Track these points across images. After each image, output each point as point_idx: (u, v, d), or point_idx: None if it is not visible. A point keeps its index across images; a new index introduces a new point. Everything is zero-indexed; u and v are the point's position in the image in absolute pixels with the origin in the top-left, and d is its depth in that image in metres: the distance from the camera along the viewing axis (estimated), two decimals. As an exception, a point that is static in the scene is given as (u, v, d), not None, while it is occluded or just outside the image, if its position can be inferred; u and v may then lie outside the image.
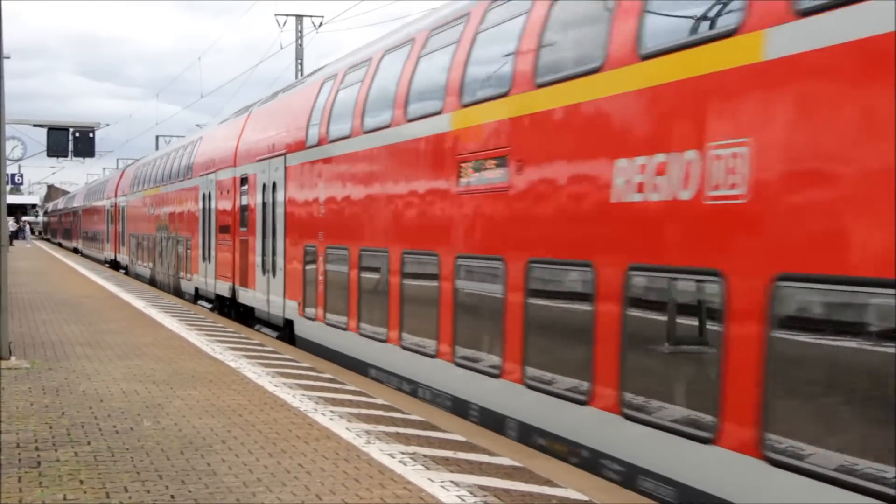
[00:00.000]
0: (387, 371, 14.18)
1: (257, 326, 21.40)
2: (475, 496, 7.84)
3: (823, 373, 6.67)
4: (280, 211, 19.36)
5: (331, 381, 13.89)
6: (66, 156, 25.67)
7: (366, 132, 14.94)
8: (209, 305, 26.35)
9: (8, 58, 17.80)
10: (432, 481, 8.27)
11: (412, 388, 13.29)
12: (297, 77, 44.40)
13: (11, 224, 73.07)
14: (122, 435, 9.89)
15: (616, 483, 8.74)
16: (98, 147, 27.18)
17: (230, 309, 24.00)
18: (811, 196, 6.72)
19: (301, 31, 47.50)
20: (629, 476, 8.60)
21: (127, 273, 44.00)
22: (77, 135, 24.87)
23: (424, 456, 9.24)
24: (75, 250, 76.29)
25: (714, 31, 7.70)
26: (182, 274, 30.55)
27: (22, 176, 68.56)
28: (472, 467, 8.89)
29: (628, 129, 8.79)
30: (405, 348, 13.48)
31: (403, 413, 11.57)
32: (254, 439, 9.81)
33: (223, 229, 24.57)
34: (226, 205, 24.27)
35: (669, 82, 8.15)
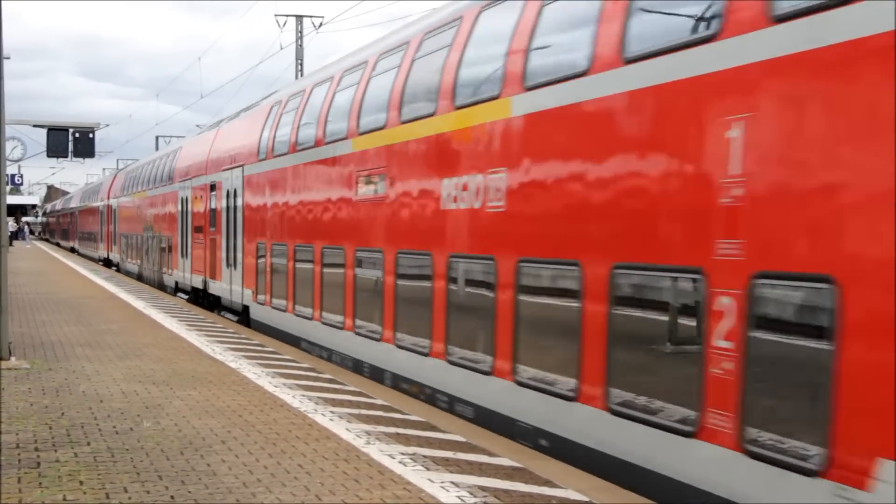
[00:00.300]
0: (312, 342, 17.62)
1: (222, 312, 24.75)
2: (475, 497, 7.84)
3: (546, 319, 10.45)
4: (240, 214, 22.87)
5: (330, 381, 13.89)
6: (66, 156, 25.68)
7: (299, 150, 18.39)
8: (186, 297, 29.30)
9: (8, 58, 17.78)
10: (432, 482, 8.28)
11: (328, 355, 16.69)
12: (296, 77, 44.45)
13: (11, 224, 73.03)
14: (121, 435, 9.89)
15: (443, 410, 12.17)
16: (98, 147, 27.46)
17: (203, 299, 27.23)
18: (533, 207, 10.35)
19: (301, 32, 47.51)
20: (451, 403, 12.22)
21: (118, 270, 46.47)
22: (77, 135, 24.87)
23: (424, 456, 9.24)
24: (72, 249, 78.35)
25: (488, 95, 11.21)
26: (164, 269, 33.91)
27: (22, 176, 68.29)
28: (472, 468, 8.89)
29: (449, 158, 12.25)
30: (325, 324, 16.96)
31: (403, 414, 11.57)
32: (254, 440, 9.81)
33: (197, 229, 27.96)
34: (199, 208, 27.66)
35: (468, 126, 11.73)
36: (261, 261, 21.01)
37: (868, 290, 6.30)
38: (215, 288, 25.54)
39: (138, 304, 25.65)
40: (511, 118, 10.71)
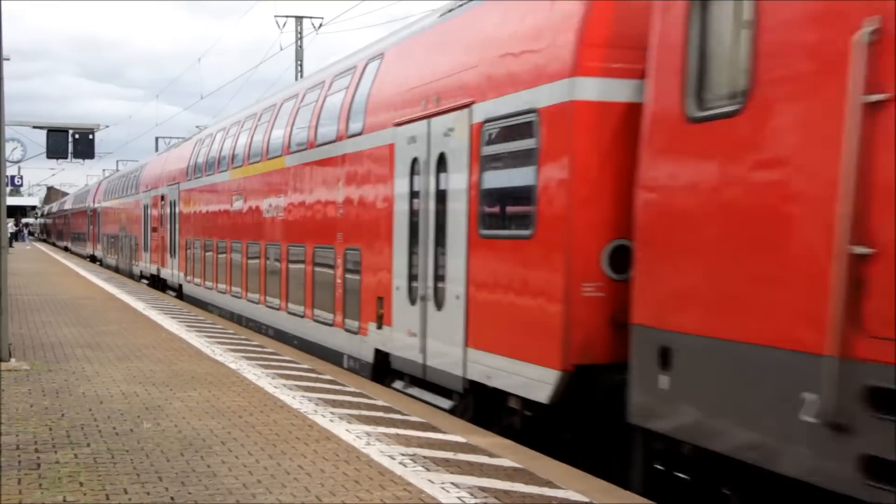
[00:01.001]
0: (213, 305, 25.79)
1: (168, 291, 32.61)
2: (475, 497, 7.83)
3: (297, 276, 18.12)
4: (177, 218, 31.28)
5: (331, 382, 13.89)
6: (66, 157, 25.78)
7: (206, 175, 26.94)
8: (147, 282, 37.32)
9: (8, 59, 17.74)
10: (432, 483, 8.27)
11: (220, 312, 24.76)
12: (296, 78, 44.46)
13: (11, 226, 72.96)
14: (121, 437, 9.89)
15: (266, 335, 19.84)
16: (98, 148, 27.86)
17: (158, 283, 35.09)
18: (292, 217, 18.73)
19: (301, 33, 47.52)
20: (267, 329, 20.18)
21: (101, 264, 54.72)
22: (77, 136, 24.96)
23: (425, 457, 9.24)
24: (66, 248, 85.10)
25: (277, 154, 19.67)
26: (133, 262, 42.49)
27: (22, 178, 68.33)
28: (472, 469, 8.88)
29: (265, 187, 20.52)
30: (217, 291, 25.28)
31: (403, 414, 11.56)
32: (254, 441, 9.81)
33: (154, 230, 36.11)
34: (155, 213, 35.80)
35: (269, 170, 20.21)
36: (188, 252, 29.40)
37: (367, 253, 14.43)
38: (164, 273, 33.91)
39: (138, 306, 25.65)
40: (285, 168, 18.98)
